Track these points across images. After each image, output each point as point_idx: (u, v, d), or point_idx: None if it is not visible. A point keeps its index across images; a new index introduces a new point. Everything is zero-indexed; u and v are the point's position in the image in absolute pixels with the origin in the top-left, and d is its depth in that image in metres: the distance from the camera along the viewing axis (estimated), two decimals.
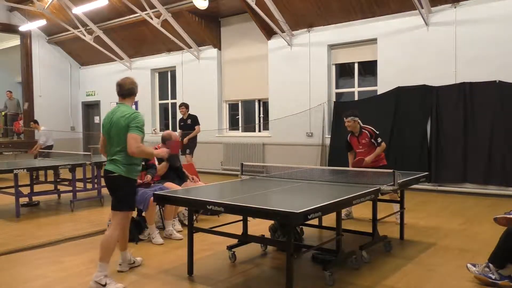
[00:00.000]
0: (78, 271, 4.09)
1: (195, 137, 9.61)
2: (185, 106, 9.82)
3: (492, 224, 4.08)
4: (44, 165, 7.51)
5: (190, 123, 9.62)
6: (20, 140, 14.90)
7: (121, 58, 14.08)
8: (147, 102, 13.77)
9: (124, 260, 4.06)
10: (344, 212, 6.13)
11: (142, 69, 13.92)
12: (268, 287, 3.77)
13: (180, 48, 12.44)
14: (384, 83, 8.96)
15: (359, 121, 5.87)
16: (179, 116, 12.61)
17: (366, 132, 5.82)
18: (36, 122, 11.52)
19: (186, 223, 5.04)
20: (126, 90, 3.83)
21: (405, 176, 4.84)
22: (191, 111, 10.01)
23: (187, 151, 9.47)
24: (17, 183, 6.64)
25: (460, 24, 8.05)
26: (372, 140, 5.76)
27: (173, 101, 13.29)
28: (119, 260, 4.05)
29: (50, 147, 11.16)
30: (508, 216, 3.73)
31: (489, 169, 7.72)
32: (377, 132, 5.84)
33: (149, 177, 5.35)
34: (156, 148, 5.79)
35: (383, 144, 5.82)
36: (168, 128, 13.23)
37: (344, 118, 5.88)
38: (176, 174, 5.92)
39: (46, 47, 15.29)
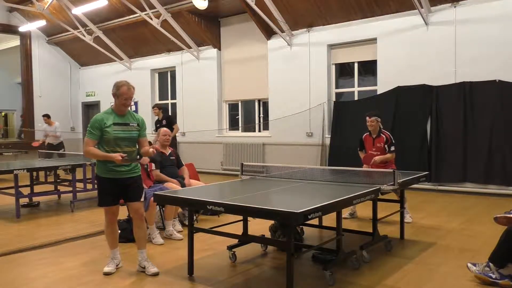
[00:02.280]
0: (78, 272, 4.08)
1: (173, 137, 9.16)
2: (157, 107, 9.56)
3: (492, 223, 4.08)
4: (44, 166, 7.51)
5: (165, 124, 9.18)
6: (20, 141, 14.91)
7: (121, 59, 14.08)
8: (147, 102, 13.77)
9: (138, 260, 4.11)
10: (348, 211, 6.13)
11: (142, 70, 13.93)
12: (268, 287, 3.77)
13: (180, 48, 12.45)
14: (384, 83, 8.96)
15: (380, 123, 5.89)
16: (179, 116, 12.68)
17: (384, 136, 5.82)
18: (48, 116, 11.23)
19: (186, 223, 5.04)
20: None
21: (405, 175, 4.84)
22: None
23: None
24: (17, 184, 6.63)
25: (460, 23, 8.05)
26: (386, 146, 5.77)
27: (173, 101, 13.29)
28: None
29: (61, 143, 11.09)
30: (508, 215, 3.73)
31: (489, 169, 7.72)
32: (394, 141, 5.84)
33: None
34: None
35: (394, 154, 5.82)
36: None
37: (368, 118, 5.85)
38: (171, 161, 5.88)
39: (46, 48, 15.29)
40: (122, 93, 3.90)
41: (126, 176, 3.95)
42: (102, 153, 3.86)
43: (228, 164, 11.47)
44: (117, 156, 3.79)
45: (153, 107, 9.66)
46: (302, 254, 4.27)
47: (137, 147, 4.08)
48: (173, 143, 9.37)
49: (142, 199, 4.10)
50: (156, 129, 9.60)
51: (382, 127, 5.94)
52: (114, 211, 4.04)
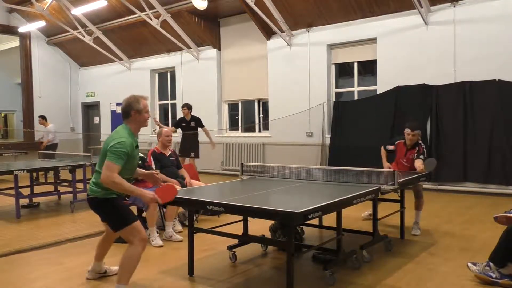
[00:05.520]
0: (78, 272, 4.08)
1: (198, 139, 9.19)
2: (187, 107, 9.32)
3: (493, 223, 4.09)
4: (44, 166, 7.51)
5: (194, 126, 9.13)
6: (20, 141, 14.89)
7: (120, 59, 14.08)
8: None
9: (94, 270, 3.91)
10: (367, 212, 5.96)
11: (141, 70, 13.92)
12: (268, 287, 3.77)
13: (180, 49, 12.44)
14: (384, 83, 8.96)
15: (420, 136, 5.50)
16: (179, 116, 12.64)
17: (417, 148, 5.41)
18: (44, 118, 11.29)
19: (186, 224, 5.04)
20: (122, 111, 3.47)
21: (405, 175, 4.84)
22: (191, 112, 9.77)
23: (192, 154, 9.01)
24: (17, 184, 6.63)
25: (460, 23, 8.05)
26: (415, 154, 5.38)
27: (173, 101, 13.29)
28: (89, 267, 3.93)
29: (56, 145, 11.15)
30: (508, 215, 3.74)
31: (489, 168, 7.72)
32: (425, 152, 5.45)
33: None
34: (154, 150, 5.79)
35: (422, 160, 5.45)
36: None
37: (409, 130, 5.34)
38: (171, 161, 5.87)
39: (46, 48, 15.29)
40: (145, 106, 3.44)
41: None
42: (139, 189, 3.34)
43: (228, 164, 11.47)
44: (148, 198, 3.32)
45: (182, 107, 9.46)
46: (302, 254, 4.27)
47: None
48: (197, 145, 9.16)
49: None
50: (182, 128, 9.21)
51: (420, 139, 5.51)
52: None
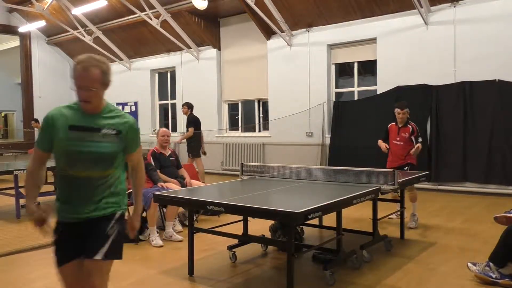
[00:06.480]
0: None
1: (192, 139, 8.93)
2: (187, 105, 9.19)
3: (492, 223, 4.08)
4: None
5: (186, 125, 9.09)
6: (20, 141, 14.90)
7: (120, 59, 14.08)
8: (146, 102, 13.77)
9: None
10: (413, 224, 5.69)
11: (141, 70, 13.92)
12: (268, 287, 3.77)
13: (180, 49, 12.45)
14: (384, 83, 8.96)
15: (408, 114, 5.81)
16: (179, 116, 12.68)
17: (410, 127, 5.73)
18: (37, 121, 11.44)
19: (186, 224, 5.04)
20: None
21: (405, 175, 4.84)
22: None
23: (190, 155, 8.89)
24: (17, 184, 6.62)
25: (460, 23, 8.05)
26: (412, 138, 5.67)
27: (173, 101, 13.29)
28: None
29: None
30: (508, 215, 3.74)
31: (489, 168, 7.72)
32: (419, 132, 5.78)
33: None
34: (154, 150, 5.76)
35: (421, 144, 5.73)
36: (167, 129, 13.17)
37: (399, 109, 5.71)
38: (171, 161, 5.85)
39: (46, 48, 15.30)
40: (77, 79, 2.19)
41: (93, 215, 2.30)
42: (29, 193, 2.49)
43: (228, 164, 11.47)
44: (31, 211, 2.40)
45: (182, 105, 9.41)
46: (302, 254, 4.27)
47: (121, 174, 2.43)
48: (191, 145, 8.95)
49: (100, 256, 2.21)
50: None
51: (409, 117, 5.83)
52: (71, 274, 2.29)
